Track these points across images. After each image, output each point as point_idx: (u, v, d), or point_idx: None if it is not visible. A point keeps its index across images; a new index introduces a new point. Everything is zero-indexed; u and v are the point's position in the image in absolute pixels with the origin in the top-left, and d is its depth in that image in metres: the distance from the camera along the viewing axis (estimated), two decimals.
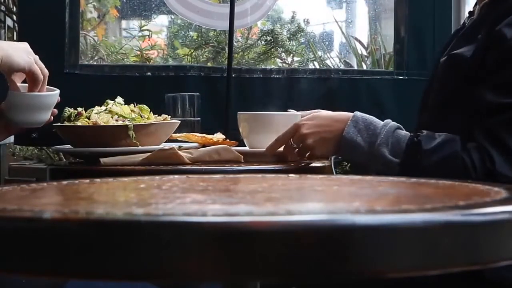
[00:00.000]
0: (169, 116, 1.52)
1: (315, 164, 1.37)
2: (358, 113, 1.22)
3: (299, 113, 1.37)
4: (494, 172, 1.04)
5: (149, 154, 1.32)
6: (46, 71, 1.27)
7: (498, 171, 1.04)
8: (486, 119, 1.09)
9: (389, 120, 1.21)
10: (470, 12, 1.33)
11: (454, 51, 1.20)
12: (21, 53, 1.22)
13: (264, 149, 1.31)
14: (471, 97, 1.13)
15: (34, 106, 1.28)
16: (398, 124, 1.20)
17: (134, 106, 1.47)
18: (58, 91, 1.32)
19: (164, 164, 1.31)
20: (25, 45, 1.26)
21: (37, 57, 1.26)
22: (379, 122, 1.20)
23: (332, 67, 2.94)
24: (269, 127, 1.38)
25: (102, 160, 1.33)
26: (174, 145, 1.40)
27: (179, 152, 1.32)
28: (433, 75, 1.30)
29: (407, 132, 1.17)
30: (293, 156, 1.29)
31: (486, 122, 1.09)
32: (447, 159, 1.09)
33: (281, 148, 1.30)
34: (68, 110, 1.46)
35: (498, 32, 1.11)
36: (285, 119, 1.35)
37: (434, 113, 1.24)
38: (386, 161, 1.12)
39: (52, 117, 1.35)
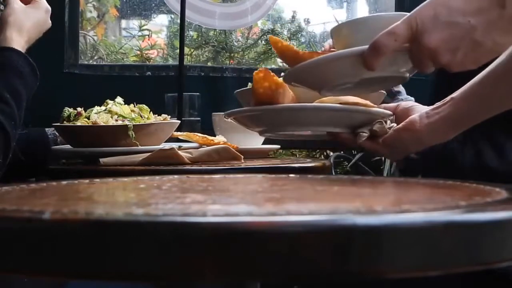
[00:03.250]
0: (169, 116, 1.52)
1: (315, 164, 1.37)
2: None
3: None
4: (483, 166, 1.04)
5: (149, 154, 1.32)
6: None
7: (488, 165, 1.04)
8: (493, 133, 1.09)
9: None
10: None
11: None
12: (41, 28, 1.25)
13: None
14: None
15: None
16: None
17: (134, 106, 1.48)
18: None
19: (164, 164, 1.31)
20: (39, 16, 1.25)
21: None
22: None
23: None
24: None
25: (102, 160, 1.33)
26: (174, 145, 1.41)
27: (179, 152, 1.32)
28: (436, 79, 1.29)
29: None
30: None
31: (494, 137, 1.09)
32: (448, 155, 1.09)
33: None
34: (68, 110, 1.46)
35: None
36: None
37: None
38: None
39: None
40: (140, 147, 1.38)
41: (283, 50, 0.97)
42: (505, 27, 0.70)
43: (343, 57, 0.82)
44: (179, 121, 1.54)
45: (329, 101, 1.02)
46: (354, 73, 0.82)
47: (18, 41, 1.18)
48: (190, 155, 1.35)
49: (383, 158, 2.58)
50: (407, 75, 0.87)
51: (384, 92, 1.26)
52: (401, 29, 0.75)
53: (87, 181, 0.80)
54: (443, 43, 0.73)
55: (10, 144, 1.05)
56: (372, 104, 1.03)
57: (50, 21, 1.27)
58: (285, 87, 1.05)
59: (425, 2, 0.75)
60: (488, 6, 0.71)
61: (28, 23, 1.23)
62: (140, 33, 3.18)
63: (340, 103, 0.99)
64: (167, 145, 1.40)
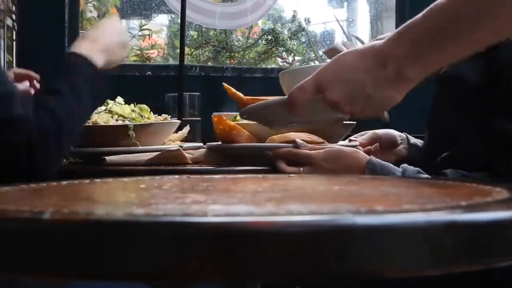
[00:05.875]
0: (169, 116, 1.52)
1: None
2: (373, 159, 1.20)
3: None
4: None
5: (157, 154, 1.33)
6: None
7: None
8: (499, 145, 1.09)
9: (406, 165, 1.19)
10: None
11: (454, 70, 1.18)
12: (119, 51, 1.25)
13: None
14: (489, 126, 1.12)
15: None
16: (418, 168, 1.17)
17: (134, 106, 1.48)
18: None
19: (166, 164, 1.32)
20: (118, 35, 1.27)
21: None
22: (397, 169, 1.18)
23: None
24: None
25: (108, 158, 1.33)
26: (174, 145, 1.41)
27: (184, 153, 1.33)
28: (438, 81, 1.29)
29: (428, 176, 1.15)
30: (284, 169, 1.26)
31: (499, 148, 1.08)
32: None
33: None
34: None
35: (498, 58, 1.10)
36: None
37: (445, 137, 1.23)
38: None
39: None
40: (140, 147, 1.38)
41: (233, 95, 1.35)
42: (389, 83, 0.82)
43: (275, 104, 0.97)
44: (179, 121, 1.54)
45: (278, 138, 1.31)
46: (286, 116, 0.94)
47: (88, 47, 1.20)
48: (191, 155, 1.36)
49: None
50: (340, 115, 0.97)
51: (353, 122, 1.41)
52: (309, 85, 0.87)
53: (87, 181, 0.79)
54: (342, 97, 0.85)
55: (61, 133, 1.06)
56: (318, 140, 1.30)
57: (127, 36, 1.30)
58: (238, 128, 1.34)
59: (329, 61, 0.88)
60: (375, 66, 0.82)
61: (102, 32, 1.25)
62: (140, 33, 3.18)
63: (286, 141, 1.29)
64: (172, 146, 1.41)
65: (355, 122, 1.42)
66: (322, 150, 1.24)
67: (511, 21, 0.74)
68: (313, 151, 1.24)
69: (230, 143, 1.36)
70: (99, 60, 1.19)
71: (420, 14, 0.79)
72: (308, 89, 0.87)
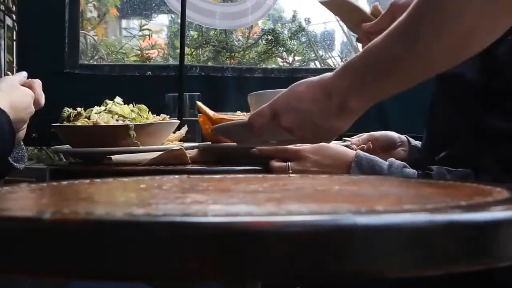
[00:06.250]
0: (168, 116, 1.52)
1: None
2: (360, 153, 1.21)
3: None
4: None
5: (160, 153, 1.33)
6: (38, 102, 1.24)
7: None
8: (500, 147, 1.09)
9: (393, 159, 1.20)
10: None
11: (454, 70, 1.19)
12: (23, 114, 1.19)
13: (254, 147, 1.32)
14: (480, 123, 1.12)
15: None
16: (404, 163, 1.18)
17: (133, 106, 1.48)
18: None
19: (169, 164, 1.32)
20: (22, 100, 1.20)
21: (36, 91, 1.22)
22: (383, 162, 1.19)
23: (334, 66, 2.94)
24: None
25: (114, 157, 1.34)
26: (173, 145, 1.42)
27: (185, 152, 1.34)
28: (438, 81, 1.29)
29: (415, 171, 1.15)
30: (277, 170, 1.27)
31: (500, 151, 1.08)
32: None
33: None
34: (67, 110, 1.46)
35: (497, 57, 1.10)
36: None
37: (443, 136, 1.23)
38: None
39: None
40: (140, 147, 1.38)
41: (203, 112, 1.41)
42: (334, 114, 0.87)
43: (240, 125, 1.07)
44: (179, 121, 1.54)
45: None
46: (249, 136, 1.01)
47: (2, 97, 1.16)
48: (189, 155, 1.37)
49: None
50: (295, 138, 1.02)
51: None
52: (266, 111, 0.94)
53: (87, 181, 0.79)
54: (293, 124, 0.91)
55: None
56: None
57: (33, 108, 1.22)
58: None
59: (284, 91, 0.94)
60: (322, 97, 0.88)
61: (14, 90, 1.20)
62: (140, 33, 3.18)
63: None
64: (174, 146, 1.41)
65: None
66: (310, 145, 1.25)
67: (439, 59, 0.80)
68: (300, 146, 1.25)
69: (218, 143, 1.39)
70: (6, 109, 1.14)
71: (361, 51, 0.86)
72: (265, 114, 0.94)
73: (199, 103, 1.48)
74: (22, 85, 1.22)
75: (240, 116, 1.43)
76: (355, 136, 1.55)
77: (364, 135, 1.53)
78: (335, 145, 1.27)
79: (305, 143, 0.95)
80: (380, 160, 1.20)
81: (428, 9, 0.78)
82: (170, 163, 1.33)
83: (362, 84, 0.84)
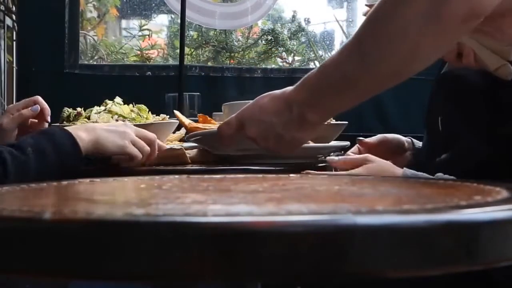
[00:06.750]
0: (168, 116, 1.52)
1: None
2: (407, 170, 1.20)
3: None
4: None
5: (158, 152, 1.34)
6: (147, 149, 1.27)
7: None
8: (502, 148, 1.09)
9: (440, 174, 1.18)
10: None
11: (456, 71, 1.18)
12: (114, 137, 1.22)
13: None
14: (490, 127, 1.12)
15: None
16: (452, 176, 1.17)
17: (133, 106, 1.48)
18: None
19: (168, 164, 1.32)
20: (124, 127, 1.25)
21: (134, 137, 1.25)
22: (429, 176, 1.17)
23: None
24: None
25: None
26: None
27: (185, 152, 1.35)
28: (438, 80, 1.29)
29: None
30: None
31: (502, 151, 1.09)
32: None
33: None
34: (67, 110, 1.46)
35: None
36: None
37: (441, 138, 1.23)
38: None
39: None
40: None
41: (180, 120, 1.43)
42: (295, 125, 0.91)
43: (212, 134, 1.10)
44: (178, 121, 1.54)
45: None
46: (220, 145, 1.05)
47: (77, 130, 1.18)
48: (189, 155, 1.37)
49: None
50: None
51: (344, 123, 1.44)
52: (233, 121, 0.98)
53: (87, 181, 0.79)
54: (257, 135, 0.95)
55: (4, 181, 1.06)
56: None
57: (131, 133, 1.25)
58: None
59: (250, 103, 0.97)
60: (283, 109, 0.91)
61: (99, 126, 1.24)
62: (140, 33, 3.18)
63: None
64: (175, 145, 1.41)
65: (346, 122, 1.43)
66: (360, 167, 1.22)
67: (386, 76, 0.83)
68: (351, 170, 1.22)
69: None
70: (83, 137, 1.17)
71: (317, 67, 0.89)
72: (232, 125, 0.98)
73: (176, 112, 1.49)
74: (140, 138, 1.26)
75: (214, 125, 1.44)
76: (368, 139, 1.53)
77: (378, 136, 1.51)
78: (382, 163, 1.24)
79: (270, 153, 0.99)
80: (426, 175, 1.18)
81: (374, 28, 0.81)
82: (170, 163, 1.33)
83: (318, 98, 0.88)
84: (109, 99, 1.48)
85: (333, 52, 3.19)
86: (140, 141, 1.26)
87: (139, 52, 3.03)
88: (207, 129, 1.33)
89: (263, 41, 2.99)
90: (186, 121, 1.43)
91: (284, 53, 3.01)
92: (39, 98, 1.38)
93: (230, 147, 1.09)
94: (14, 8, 3.10)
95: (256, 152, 1.22)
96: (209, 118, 1.46)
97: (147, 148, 1.27)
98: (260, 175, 0.84)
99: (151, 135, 1.29)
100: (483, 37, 0.94)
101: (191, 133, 1.22)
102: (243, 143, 1.00)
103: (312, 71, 0.89)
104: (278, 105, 0.92)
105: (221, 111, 1.51)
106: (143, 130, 1.29)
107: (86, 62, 2.88)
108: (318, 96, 0.88)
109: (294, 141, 0.93)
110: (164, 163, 1.33)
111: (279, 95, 0.93)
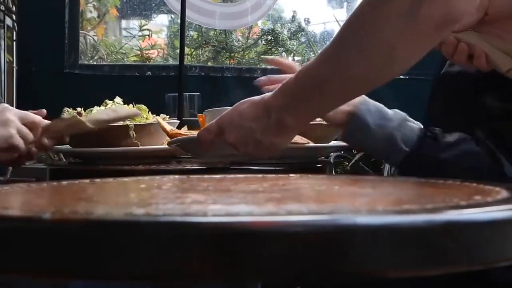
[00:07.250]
0: (168, 116, 1.52)
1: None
2: (366, 97, 1.20)
3: None
4: (502, 175, 1.04)
5: (51, 122, 1.27)
6: (30, 136, 1.16)
7: (507, 175, 1.04)
8: (492, 123, 1.09)
9: (397, 110, 1.19)
10: None
11: (455, 71, 1.18)
12: None
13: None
14: (476, 104, 1.12)
15: None
16: (405, 114, 1.18)
17: (133, 106, 1.48)
18: None
19: (73, 136, 1.28)
20: (6, 113, 1.17)
21: (19, 125, 1.14)
22: (387, 109, 1.18)
23: None
24: None
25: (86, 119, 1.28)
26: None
27: (81, 118, 1.27)
28: (438, 80, 1.29)
29: (418, 123, 1.16)
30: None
31: (492, 126, 1.09)
32: (465, 155, 1.09)
33: None
34: (67, 110, 1.46)
35: None
36: None
37: (440, 122, 1.23)
38: (396, 148, 1.10)
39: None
40: (140, 147, 1.38)
41: (161, 127, 1.38)
42: (274, 131, 0.91)
43: (193, 140, 1.09)
44: (178, 121, 1.54)
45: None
46: (201, 151, 1.06)
47: None
48: (91, 119, 1.28)
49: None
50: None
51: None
52: (213, 127, 0.99)
53: (87, 181, 0.79)
54: (237, 140, 0.96)
55: None
56: (301, 141, 1.30)
57: (15, 120, 1.15)
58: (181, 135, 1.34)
59: (229, 109, 0.98)
60: (262, 115, 0.92)
61: None
62: (140, 33, 3.19)
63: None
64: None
65: None
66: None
67: (363, 80, 0.83)
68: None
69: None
70: None
71: (295, 73, 0.89)
72: (212, 131, 0.99)
73: (158, 118, 1.46)
74: (25, 124, 1.17)
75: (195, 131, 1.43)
76: None
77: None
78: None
79: (250, 158, 1.01)
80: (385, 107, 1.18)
81: (349, 32, 0.81)
82: (72, 134, 1.27)
83: (296, 103, 0.88)
84: (109, 99, 1.48)
85: None
86: (23, 128, 1.14)
87: (139, 52, 3.04)
88: (188, 135, 1.33)
89: (263, 41, 2.99)
90: (168, 127, 1.41)
91: (284, 53, 3.01)
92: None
93: (210, 153, 1.10)
94: (14, 8, 3.10)
95: (236, 158, 1.23)
96: None
97: (31, 135, 1.15)
98: (260, 175, 0.84)
99: (36, 117, 1.17)
100: (494, 38, 0.94)
101: (173, 139, 1.24)
102: (223, 148, 1.01)
103: (289, 78, 0.89)
104: (257, 110, 0.93)
105: None
106: (27, 112, 1.17)
107: (86, 62, 2.89)
108: (295, 101, 0.88)
109: (273, 146, 0.94)
110: (66, 134, 1.27)
111: (258, 101, 0.94)
